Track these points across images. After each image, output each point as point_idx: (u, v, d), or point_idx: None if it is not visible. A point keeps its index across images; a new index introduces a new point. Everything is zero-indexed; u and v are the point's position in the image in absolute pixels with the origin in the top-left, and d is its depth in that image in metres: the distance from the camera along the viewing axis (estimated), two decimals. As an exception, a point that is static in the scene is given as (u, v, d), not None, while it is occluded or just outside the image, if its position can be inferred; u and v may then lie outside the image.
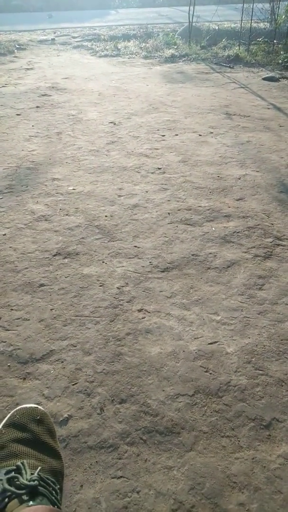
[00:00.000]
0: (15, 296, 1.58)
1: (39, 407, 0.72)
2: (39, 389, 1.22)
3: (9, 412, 0.69)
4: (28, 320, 1.47)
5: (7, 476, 0.57)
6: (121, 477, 1.00)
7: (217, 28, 7.99)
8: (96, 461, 1.03)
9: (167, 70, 5.57)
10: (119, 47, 6.94)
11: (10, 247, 1.87)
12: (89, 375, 1.26)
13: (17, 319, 1.47)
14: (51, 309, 1.51)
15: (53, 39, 7.99)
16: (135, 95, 4.36)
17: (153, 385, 1.22)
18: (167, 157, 2.83)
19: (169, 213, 2.13)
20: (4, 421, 0.69)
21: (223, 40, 6.92)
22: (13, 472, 0.58)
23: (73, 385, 1.23)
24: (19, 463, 0.60)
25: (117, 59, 6.36)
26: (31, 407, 0.71)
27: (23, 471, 0.58)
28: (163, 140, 3.15)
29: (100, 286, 1.63)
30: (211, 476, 0.99)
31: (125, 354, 1.32)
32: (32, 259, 1.79)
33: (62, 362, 1.30)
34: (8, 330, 1.42)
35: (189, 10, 6.71)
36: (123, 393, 1.20)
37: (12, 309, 1.51)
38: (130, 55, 6.52)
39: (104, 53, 6.68)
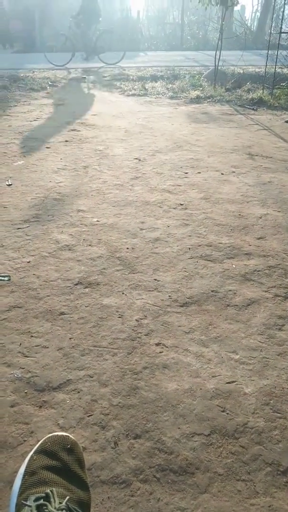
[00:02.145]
0: (35, 323, 1.60)
1: (71, 436, 0.72)
2: (54, 419, 1.22)
3: (34, 439, 0.70)
4: (47, 347, 1.48)
5: (36, 503, 0.57)
6: (132, 515, 0.98)
7: (241, 72, 8.28)
8: (108, 497, 1.01)
9: (192, 110, 5.75)
10: (146, 87, 7.23)
11: (33, 274, 1.92)
12: (105, 407, 1.25)
13: (37, 346, 1.49)
14: (70, 338, 1.53)
15: (84, 78, 8.39)
16: (160, 133, 4.50)
17: (168, 422, 1.21)
18: (189, 194, 2.89)
19: (189, 248, 2.15)
20: (35, 447, 0.70)
21: (247, 83, 7.14)
22: (42, 500, 0.58)
23: (88, 416, 1.22)
24: (48, 490, 0.60)
25: (144, 98, 6.62)
26: (63, 435, 0.72)
27: (52, 499, 0.58)
28: (186, 177, 3.23)
29: (119, 317, 1.64)
30: (226, 521, 0.96)
31: (141, 388, 1.32)
32: (54, 287, 1.83)
33: (79, 392, 1.30)
34: (27, 356, 1.44)
35: (215, 54, 6.99)
36: (138, 428, 1.19)
37: (32, 336, 1.54)
38: (157, 95, 6.78)
39: (132, 92, 6.97)
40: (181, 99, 6.53)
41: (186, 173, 3.32)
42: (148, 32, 18.60)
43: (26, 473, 0.66)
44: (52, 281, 1.87)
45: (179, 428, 1.19)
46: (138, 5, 19.07)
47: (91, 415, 1.23)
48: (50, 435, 0.73)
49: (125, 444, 1.15)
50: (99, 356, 1.45)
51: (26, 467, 0.67)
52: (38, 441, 1.12)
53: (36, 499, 0.58)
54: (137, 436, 1.17)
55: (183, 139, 4.30)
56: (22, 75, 8.43)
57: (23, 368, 1.39)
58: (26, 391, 1.31)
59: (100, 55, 10.35)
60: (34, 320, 1.62)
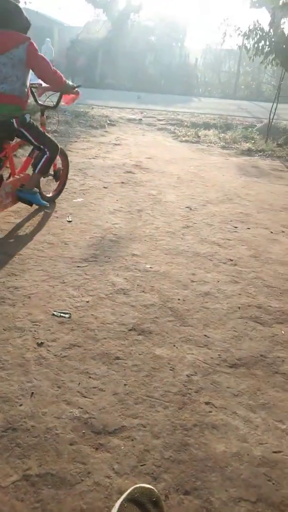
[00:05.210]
0: (93, 364, 1.72)
1: (155, 489, 0.82)
2: (109, 463, 1.31)
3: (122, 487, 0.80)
4: (104, 391, 1.59)
5: None
6: None
7: (293, 128, 8.47)
8: None
9: (243, 162, 5.94)
10: (199, 135, 7.52)
11: (92, 314, 2.05)
12: (157, 459, 1.33)
13: (94, 387, 1.60)
14: (124, 384, 1.63)
15: (140, 119, 8.82)
16: (211, 184, 4.68)
17: (216, 483, 1.27)
18: (239, 250, 2.99)
19: (239, 308, 2.24)
20: (125, 496, 0.79)
21: (299, 141, 7.30)
22: None
23: (141, 465, 1.31)
24: None
25: (197, 145, 6.88)
26: (149, 488, 0.81)
27: None
28: (236, 231, 3.34)
29: (171, 370, 1.73)
30: None
31: (191, 445, 1.39)
32: (110, 330, 1.95)
33: (132, 440, 1.39)
34: (85, 397, 1.55)
35: (271, 109, 7.23)
36: (187, 484, 1.26)
37: (90, 377, 1.65)
38: (209, 144, 7.03)
39: (185, 138, 7.26)
40: (233, 149, 6.75)
41: (236, 227, 3.44)
42: (204, 78, 19.36)
43: None
44: (108, 323, 2.00)
45: (226, 490, 1.25)
46: (196, 52, 20.14)
47: (144, 464, 1.31)
48: (138, 486, 0.82)
49: (175, 498, 1.22)
50: (151, 406, 1.54)
51: None
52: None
53: None
54: (187, 492, 1.24)
55: (233, 192, 4.45)
56: (82, 110, 8.95)
57: (81, 408, 1.50)
58: (84, 431, 1.41)
59: None
60: (92, 361, 1.74)
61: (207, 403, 1.57)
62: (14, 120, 2.76)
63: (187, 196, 4.15)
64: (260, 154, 6.50)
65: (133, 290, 2.32)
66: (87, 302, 2.16)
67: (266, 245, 3.10)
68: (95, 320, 2.01)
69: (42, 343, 1.83)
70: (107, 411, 1.50)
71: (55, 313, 2.05)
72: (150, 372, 1.71)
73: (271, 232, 3.38)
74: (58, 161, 3.49)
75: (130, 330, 1.97)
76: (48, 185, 3.78)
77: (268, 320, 2.13)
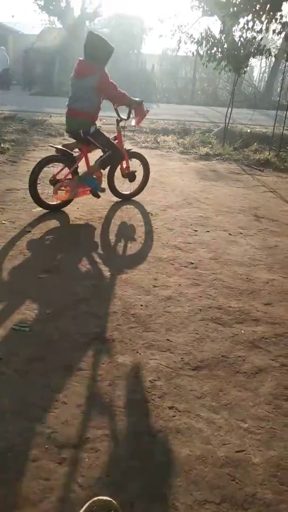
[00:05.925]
0: (55, 377, 1.69)
1: (113, 501, 0.81)
2: (73, 477, 1.29)
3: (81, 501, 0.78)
4: (66, 404, 1.56)
5: None
6: None
7: (249, 131, 8.73)
8: None
9: (201, 167, 6.05)
10: (158, 141, 7.60)
11: (53, 326, 2.02)
12: (121, 468, 1.32)
13: (56, 401, 1.57)
14: (87, 395, 1.61)
15: (99, 127, 8.81)
16: (171, 189, 4.73)
17: (181, 487, 1.28)
18: (199, 253, 3.04)
19: (200, 310, 2.27)
20: (83, 509, 0.78)
21: (255, 144, 7.52)
22: None
23: (106, 476, 1.29)
24: None
25: (156, 151, 6.95)
26: (107, 500, 0.80)
27: None
28: (196, 235, 3.39)
29: (134, 377, 1.73)
30: None
31: (156, 451, 1.39)
32: (73, 341, 1.93)
33: (96, 451, 1.38)
34: (48, 411, 1.52)
35: (226, 114, 7.41)
36: (152, 491, 1.26)
37: (52, 390, 1.62)
38: (168, 149, 7.12)
39: (145, 144, 7.32)
40: (191, 154, 6.86)
41: (196, 230, 3.49)
42: (161, 84, 19.60)
43: None
44: (70, 334, 1.97)
45: (191, 494, 1.26)
46: (153, 59, 20.41)
47: (108, 475, 1.30)
48: (96, 499, 0.81)
49: (141, 506, 1.21)
50: (115, 416, 1.53)
51: None
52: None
53: None
54: (152, 499, 1.23)
55: (192, 196, 4.51)
56: (40, 118, 8.85)
57: (44, 423, 1.47)
58: (46, 446, 1.38)
59: None
60: (54, 374, 1.71)
61: (170, 408, 1.57)
62: (81, 131, 3.47)
63: (148, 202, 4.17)
64: (217, 158, 6.64)
65: (95, 299, 2.31)
66: (48, 313, 2.12)
67: (225, 247, 3.17)
68: (56, 332, 1.98)
69: (1, 358, 1.78)
70: (70, 424, 1.48)
71: (14, 327, 2.00)
72: (114, 381, 1.70)
73: (230, 234, 3.46)
74: (131, 164, 4.12)
75: (92, 339, 1.96)
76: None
77: (228, 321, 2.17)
